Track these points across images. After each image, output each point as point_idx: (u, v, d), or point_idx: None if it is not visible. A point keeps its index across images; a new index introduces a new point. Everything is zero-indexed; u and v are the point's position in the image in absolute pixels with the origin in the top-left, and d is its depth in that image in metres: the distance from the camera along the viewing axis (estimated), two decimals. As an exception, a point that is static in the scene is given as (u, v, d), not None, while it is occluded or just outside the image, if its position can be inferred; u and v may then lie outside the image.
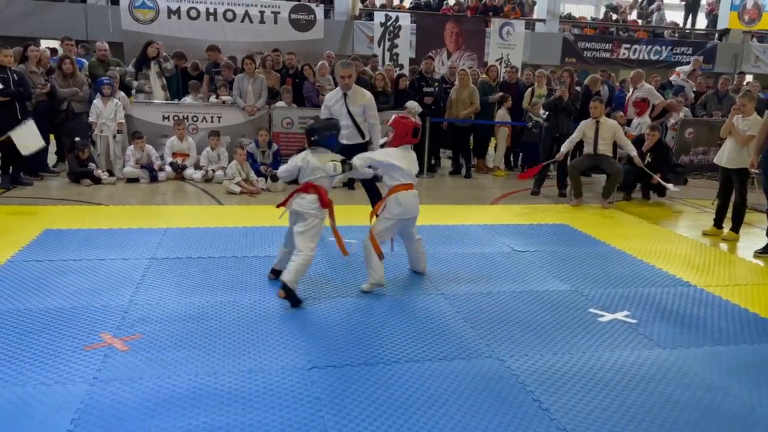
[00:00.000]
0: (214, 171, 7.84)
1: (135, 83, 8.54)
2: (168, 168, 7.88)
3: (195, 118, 8.40)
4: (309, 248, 3.96)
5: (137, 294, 3.98)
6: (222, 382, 2.93)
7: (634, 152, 7.32)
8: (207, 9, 12.96)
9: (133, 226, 5.59)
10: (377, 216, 4.30)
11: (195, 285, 4.18)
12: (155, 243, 5.08)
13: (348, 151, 4.99)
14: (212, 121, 8.44)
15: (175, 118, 8.22)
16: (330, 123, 4.35)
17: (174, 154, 8.01)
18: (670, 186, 7.23)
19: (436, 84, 9.38)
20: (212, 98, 8.64)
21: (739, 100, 6.18)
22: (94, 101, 7.74)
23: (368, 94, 5.59)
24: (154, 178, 7.71)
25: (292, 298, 3.86)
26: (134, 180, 7.67)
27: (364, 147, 5.42)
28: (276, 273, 4.29)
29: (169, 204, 6.77)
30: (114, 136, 7.80)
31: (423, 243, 4.55)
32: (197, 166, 8.03)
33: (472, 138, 9.69)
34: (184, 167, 7.96)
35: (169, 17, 12.70)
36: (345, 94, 5.34)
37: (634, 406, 2.86)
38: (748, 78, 14.28)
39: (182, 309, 3.76)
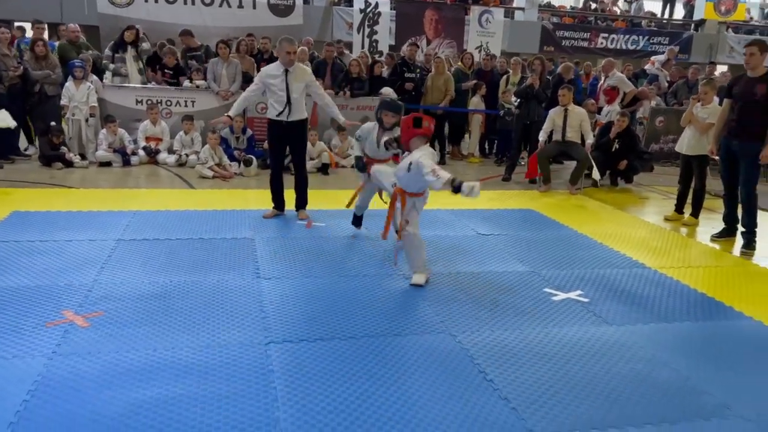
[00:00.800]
0: (187, 155, 7.86)
1: (111, 66, 8.50)
2: (141, 152, 7.89)
3: (169, 103, 8.40)
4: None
5: (102, 274, 4.04)
6: (179, 356, 3.02)
7: (590, 140, 7.50)
8: (184, -8, 12.88)
9: (103, 208, 5.62)
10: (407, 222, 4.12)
11: (160, 265, 4.25)
12: (124, 225, 5.13)
13: (290, 128, 5.40)
14: (186, 106, 8.44)
15: (149, 102, 8.22)
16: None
17: (147, 139, 8.01)
18: (595, 175, 7.41)
19: (418, 71, 9.45)
20: (186, 83, 8.64)
21: (701, 87, 6.34)
22: (66, 84, 7.71)
23: (309, 69, 5.64)
24: (126, 162, 7.72)
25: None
26: (106, 164, 7.67)
27: (305, 123, 5.55)
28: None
29: (141, 187, 6.81)
30: (86, 120, 7.79)
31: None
32: (170, 151, 8.05)
33: (447, 125, 9.79)
34: (157, 151, 7.97)
35: (146, 1, 12.59)
36: (287, 70, 5.26)
37: (575, 378, 2.99)
38: (723, 68, 14.53)
39: (145, 288, 3.84)
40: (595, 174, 7.40)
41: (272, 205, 5.70)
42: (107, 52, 8.67)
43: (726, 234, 5.70)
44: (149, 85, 8.56)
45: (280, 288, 3.96)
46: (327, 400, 2.69)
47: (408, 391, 2.80)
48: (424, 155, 3.90)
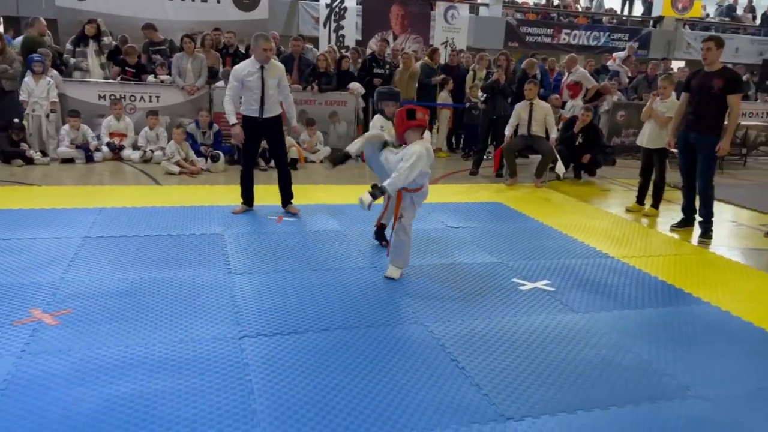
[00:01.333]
0: (152, 151, 7.75)
1: (72, 60, 8.31)
2: (105, 148, 7.75)
3: (133, 98, 8.26)
4: None
5: (69, 271, 3.98)
6: (152, 352, 3.01)
7: (554, 135, 7.66)
8: (146, -14, 12.65)
9: (67, 206, 5.52)
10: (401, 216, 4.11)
11: (129, 262, 4.21)
12: (90, 222, 5.05)
13: (265, 124, 5.40)
14: (151, 101, 8.32)
15: (112, 97, 8.06)
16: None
17: (111, 134, 7.87)
18: (559, 169, 7.58)
19: (388, 66, 9.49)
20: (150, 77, 8.50)
21: (660, 82, 6.54)
22: (25, 79, 7.53)
23: (281, 66, 5.55)
24: (90, 159, 7.58)
25: None
26: (69, 161, 7.52)
27: (280, 119, 5.54)
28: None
29: (105, 184, 6.69)
30: (47, 116, 7.61)
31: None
32: (135, 147, 7.92)
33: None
34: (121, 147, 7.84)
35: (106, -7, 12.35)
36: (262, 67, 5.26)
37: (543, 364, 3.09)
38: (680, 64, 14.94)
39: (115, 285, 3.80)
40: (560, 168, 7.57)
41: (241, 200, 5.66)
42: (68, 46, 8.46)
43: (684, 224, 5.91)
44: (112, 80, 8.39)
45: (252, 282, 3.97)
46: (303, 391, 2.73)
47: (382, 381, 2.85)
48: (416, 148, 3.80)
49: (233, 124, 5.37)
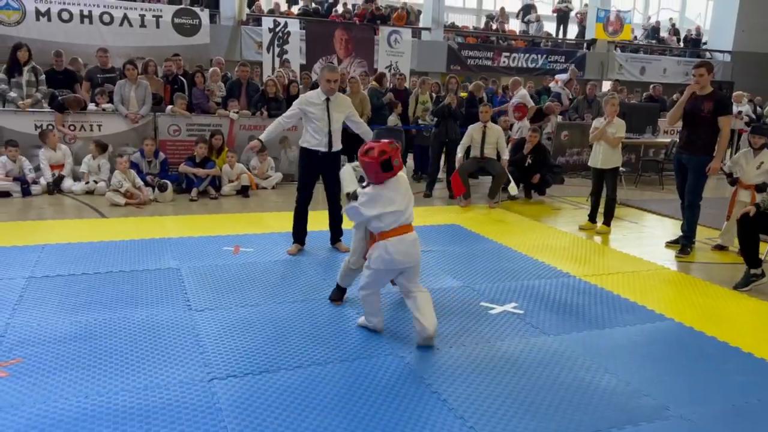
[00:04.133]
0: (95, 182, 7.40)
1: (10, 94, 7.80)
2: (43, 181, 7.35)
3: (72, 127, 7.88)
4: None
5: (14, 316, 3.69)
6: (116, 401, 2.80)
7: (506, 156, 7.81)
8: (81, 11, 12.31)
9: (5, 244, 5.17)
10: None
11: (80, 303, 3.95)
12: (33, 261, 4.74)
13: (326, 159, 5.13)
14: (92, 130, 7.96)
15: (48, 126, 7.65)
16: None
17: (51, 167, 7.47)
18: (512, 189, 7.70)
19: None
20: (91, 105, 8.16)
21: (607, 108, 6.63)
22: (-46, 110, 7.08)
23: (349, 99, 5.40)
24: (27, 192, 7.16)
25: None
26: (5, 194, 7.08)
27: (340, 155, 5.29)
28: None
29: (46, 218, 6.32)
30: (-21, 148, 7.17)
31: (429, 299, 3.57)
32: (75, 178, 7.55)
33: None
34: (61, 178, 7.46)
35: (38, 19, 11.93)
36: (328, 99, 5.02)
37: (524, 390, 3.06)
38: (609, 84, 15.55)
39: (67, 329, 3.55)
40: (512, 188, 7.68)
41: (292, 240, 5.38)
42: (1, 75, 7.98)
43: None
44: (48, 109, 7.96)
45: (215, 319, 3.79)
46: (283, 435, 2.59)
47: (365, 419, 2.74)
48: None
49: (258, 139, 5.17)
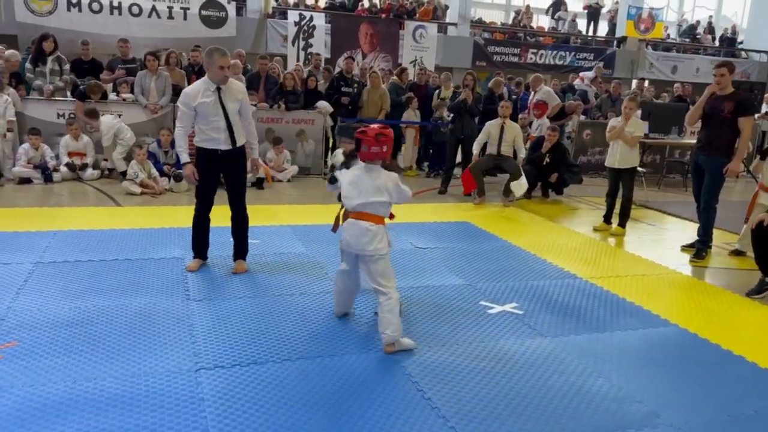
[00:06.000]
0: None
1: (36, 83, 8.01)
2: (63, 168, 7.51)
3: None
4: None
5: (16, 300, 3.77)
6: (102, 387, 2.84)
7: (522, 155, 7.70)
8: (110, 2, 12.48)
9: (20, 229, 5.28)
10: None
11: (82, 289, 4.01)
12: (43, 246, 4.84)
13: (226, 157, 4.38)
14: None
15: (71, 116, 7.82)
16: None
17: (70, 154, 7.63)
18: (515, 187, 7.46)
19: (356, 85, 9.44)
20: (112, 95, 8.29)
21: (626, 102, 6.55)
22: (-20, 97, 7.26)
23: (242, 86, 4.68)
24: (48, 179, 7.32)
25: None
26: (26, 181, 7.25)
27: (243, 150, 4.51)
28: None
29: (63, 206, 6.45)
30: (3, 135, 7.34)
31: (392, 306, 3.34)
32: (95, 166, 7.69)
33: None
34: (83, 167, 7.61)
35: (69, 10, 12.12)
36: (219, 88, 4.27)
37: (512, 392, 3.00)
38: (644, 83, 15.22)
39: (65, 314, 3.61)
40: (519, 188, 7.41)
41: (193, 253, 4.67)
42: (27, 65, 8.17)
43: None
44: (70, 98, 8.12)
45: (211, 310, 3.81)
46: (261, 429, 2.59)
47: (345, 414, 2.73)
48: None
49: (185, 163, 4.39)
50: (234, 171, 4.53)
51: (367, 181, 3.38)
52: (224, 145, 4.35)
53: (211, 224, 4.66)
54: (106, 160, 7.90)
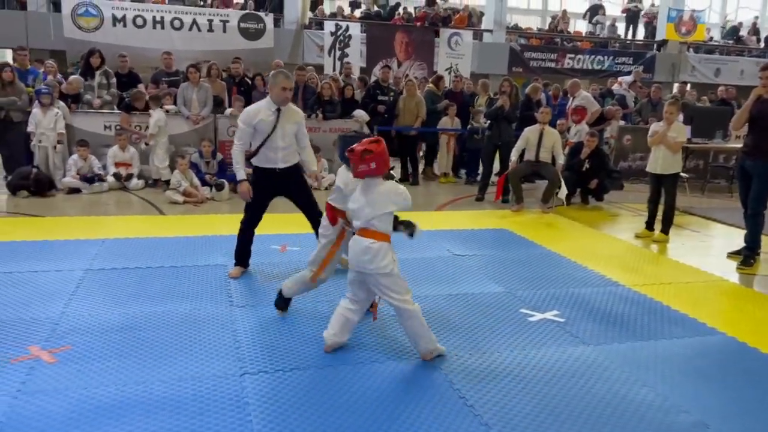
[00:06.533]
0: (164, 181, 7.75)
1: (86, 97, 8.31)
2: (110, 178, 7.76)
3: (138, 127, 8.27)
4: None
5: (69, 306, 3.92)
6: (151, 391, 2.92)
7: (561, 161, 7.66)
8: (153, 17, 12.85)
9: (70, 237, 5.48)
10: None
11: (129, 295, 4.14)
12: (92, 254, 5.01)
13: (285, 176, 4.54)
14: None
15: (117, 127, 8.09)
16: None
17: (116, 164, 7.88)
18: (561, 194, 7.46)
19: (392, 93, 9.51)
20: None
21: (667, 107, 6.45)
22: (33, 110, 7.57)
23: (301, 112, 4.79)
24: (95, 189, 7.57)
25: None
26: (75, 191, 7.51)
27: (299, 166, 4.69)
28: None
29: (110, 214, 6.67)
30: (54, 147, 7.63)
31: (413, 317, 3.31)
32: (140, 176, 7.92)
33: (424, 146, 9.93)
34: (129, 177, 7.86)
35: (114, 25, 12.54)
36: (279, 110, 4.40)
37: (554, 401, 2.98)
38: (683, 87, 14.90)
39: (115, 319, 3.73)
40: (562, 192, 7.47)
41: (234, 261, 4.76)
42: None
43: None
44: (117, 111, 8.39)
45: (255, 316, 3.89)
46: (305, 432, 2.63)
47: (388, 420, 2.75)
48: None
49: (240, 180, 4.49)
50: (296, 185, 4.67)
51: (364, 199, 3.29)
52: (281, 164, 4.50)
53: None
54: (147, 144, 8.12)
